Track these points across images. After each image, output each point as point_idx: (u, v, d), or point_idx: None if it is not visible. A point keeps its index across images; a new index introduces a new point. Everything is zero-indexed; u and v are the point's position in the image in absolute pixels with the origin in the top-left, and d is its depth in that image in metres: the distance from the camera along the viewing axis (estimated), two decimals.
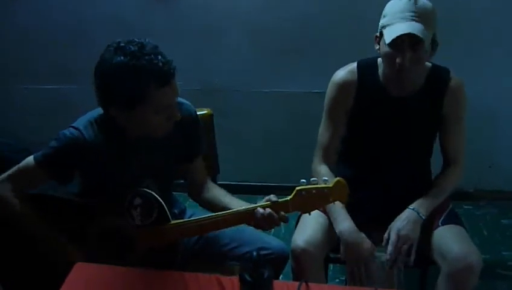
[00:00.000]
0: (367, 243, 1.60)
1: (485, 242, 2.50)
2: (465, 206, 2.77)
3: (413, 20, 1.52)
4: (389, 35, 1.53)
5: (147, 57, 1.35)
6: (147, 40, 1.41)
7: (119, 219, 1.47)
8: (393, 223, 1.61)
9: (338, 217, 1.63)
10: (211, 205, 1.63)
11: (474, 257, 1.57)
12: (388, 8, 1.59)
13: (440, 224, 1.69)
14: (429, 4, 1.57)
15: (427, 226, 1.67)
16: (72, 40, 2.73)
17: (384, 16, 1.59)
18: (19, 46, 2.81)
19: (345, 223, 1.62)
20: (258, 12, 2.58)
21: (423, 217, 1.62)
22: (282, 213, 1.41)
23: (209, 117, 1.88)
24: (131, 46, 1.36)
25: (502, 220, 2.71)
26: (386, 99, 1.67)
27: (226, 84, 2.74)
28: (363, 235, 1.61)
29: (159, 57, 1.37)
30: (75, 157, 1.48)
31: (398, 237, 1.57)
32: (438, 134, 1.76)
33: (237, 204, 1.54)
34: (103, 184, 1.52)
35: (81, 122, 1.50)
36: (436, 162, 1.81)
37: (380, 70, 1.68)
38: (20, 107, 2.94)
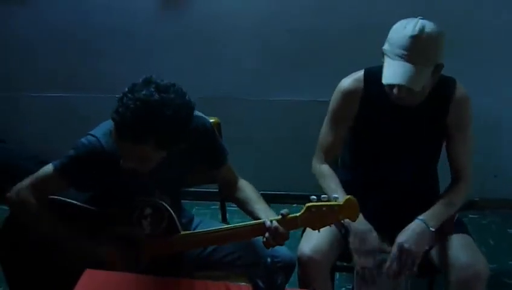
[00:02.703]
0: (375, 233, 1.60)
1: (491, 252, 2.48)
2: (471, 215, 2.76)
3: (409, 61, 1.51)
4: (384, 77, 1.55)
5: (133, 105, 1.31)
6: (170, 91, 1.35)
7: (129, 228, 1.48)
8: (399, 234, 1.59)
9: None
10: (242, 205, 1.64)
11: (482, 265, 1.57)
12: (392, 33, 1.57)
13: (452, 233, 1.67)
14: (434, 33, 1.53)
15: (437, 237, 1.65)
16: (79, 49, 2.74)
17: (387, 41, 1.58)
18: (26, 54, 2.82)
19: None
20: (265, 23, 2.59)
21: (432, 229, 1.60)
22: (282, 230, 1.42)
23: (216, 126, 1.89)
24: (144, 89, 1.33)
25: (508, 229, 2.70)
26: (391, 108, 1.67)
27: (232, 93, 2.74)
28: (371, 226, 1.61)
29: (138, 112, 1.30)
30: (92, 165, 1.48)
31: (401, 251, 1.55)
32: (444, 144, 1.75)
33: (264, 210, 1.54)
34: (115, 193, 1.53)
35: (99, 130, 1.50)
36: (442, 168, 1.81)
37: None
38: (26, 115, 2.94)
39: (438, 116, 1.69)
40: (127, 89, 1.35)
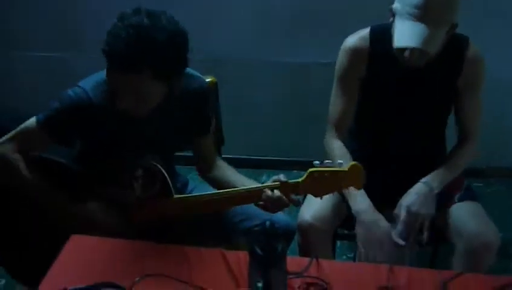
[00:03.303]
0: (384, 223, 1.52)
1: (496, 221, 2.38)
2: (476, 184, 2.68)
3: (424, 21, 1.40)
4: (396, 39, 1.44)
5: (124, 32, 1.24)
6: (162, 18, 1.29)
7: (119, 190, 1.41)
8: (402, 198, 1.53)
9: (354, 196, 1.54)
10: (219, 184, 1.57)
11: (492, 234, 1.51)
12: None
13: (456, 200, 1.62)
14: None
15: (443, 203, 1.59)
16: (79, 8, 2.63)
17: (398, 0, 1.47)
18: (21, 12, 2.70)
19: (362, 202, 1.53)
20: None
21: (436, 191, 1.54)
22: (293, 196, 1.34)
23: (213, 86, 1.80)
24: (134, 17, 1.27)
25: None
26: (399, 69, 1.58)
27: (231, 54, 2.64)
28: (380, 215, 1.53)
29: (129, 39, 1.23)
30: (78, 119, 1.40)
31: (409, 213, 1.49)
32: (453, 106, 1.67)
33: (245, 183, 1.47)
34: (104, 151, 1.45)
35: (88, 81, 1.41)
36: (451, 138, 1.73)
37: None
38: (21, 75, 2.84)
39: (449, 77, 1.61)
40: (116, 20, 1.27)
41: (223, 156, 1.78)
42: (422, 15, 1.41)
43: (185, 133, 1.54)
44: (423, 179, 1.56)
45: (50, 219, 1.48)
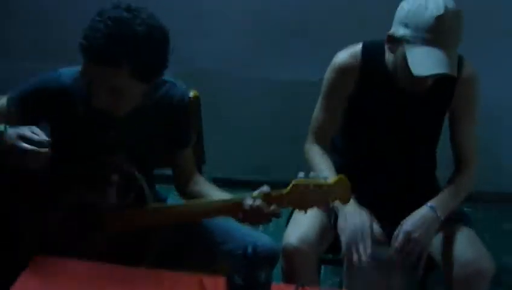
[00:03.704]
0: (367, 215, 1.46)
1: (487, 247, 2.36)
2: (465, 209, 2.63)
3: (440, 45, 1.36)
4: (417, 67, 1.37)
5: (103, 25, 1.21)
6: (142, 12, 1.26)
7: (89, 195, 1.32)
8: (406, 219, 1.46)
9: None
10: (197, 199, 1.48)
11: (487, 261, 1.46)
12: (411, 17, 1.39)
13: (449, 226, 1.54)
14: (455, 8, 1.38)
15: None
16: (54, 17, 2.57)
17: (406, 25, 1.40)
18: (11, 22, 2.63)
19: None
20: None
21: (441, 219, 1.48)
22: (274, 206, 1.27)
23: (195, 100, 1.70)
24: (117, 11, 1.23)
25: (504, 224, 2.60)
26: (391, 89, 1.53)
27: (215, 68, 2.58)
28: (364, 209, 1.47)
29: (108, 31, 1.20)
30: (48, 101, 1.34)
31: (409, 239, 1.43)
32: (449, 128, 1.62)
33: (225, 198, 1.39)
34: (76, 147, 1.36)
35: (67, 69, 1.38)
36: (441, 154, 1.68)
37: (387, 56, 1.53)
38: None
39: (442, 97, 1.55)
40: (95, 15, 1.23)
41: (203, 175, 1.68)
42: (437, 39, 1.36)
43: (163, 143, 1.46)
44: (430, 203, 1.49)
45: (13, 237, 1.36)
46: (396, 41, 1.43)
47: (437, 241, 1.52)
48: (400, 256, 1.42)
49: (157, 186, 1.65)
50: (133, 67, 1.23)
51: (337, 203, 1.40)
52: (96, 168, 1.31)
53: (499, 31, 2.38)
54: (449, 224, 1.54)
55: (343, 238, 1.44)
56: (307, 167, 1.62)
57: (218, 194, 1.44)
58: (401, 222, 1.46)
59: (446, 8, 1.36)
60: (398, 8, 1.45)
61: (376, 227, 1.46)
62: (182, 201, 1.56)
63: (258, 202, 1.27)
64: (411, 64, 1.38)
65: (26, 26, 2.62)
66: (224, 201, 1.32)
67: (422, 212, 1.47)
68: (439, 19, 1.35)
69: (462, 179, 1.59)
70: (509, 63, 2.44)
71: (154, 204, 1.34)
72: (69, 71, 1.36)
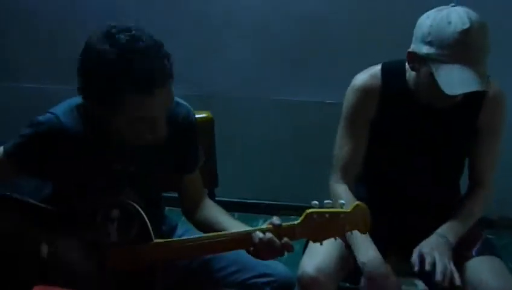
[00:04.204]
0: (393, 278, 1.37)
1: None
2: (487, 235, 2.52)
3: (471, 60, 1.29)
4: (446, 87, 1.31)
5: (133, 55, 1.13)
6: (146, 31, 1.18)
7: (90, 233, 1.26)
8: (419, 246, 1.39)
9: (361, 244, 1.41)
10: (206, 226, 1.42)
11: None
12: (434, 34, 1.32)
13: (474, 254, 1.47)
14: (482, 24, 1.31)
15: (458, 257, 1.44)
16: (60, 38, 2.55)
17: (429, 42, 1.33)
18: (13, 43, 2.63)
19: (369, 253, 1.39)
20: (267, 12, 2.42)
21: (452, 243, 1.41)
22: (286, 239, 1.19)
23: (209, 122, 1.67)
24: (121, 37, 1.14)
25: None
26: (414, 108, 1.47)
27: (229, 90, 2.55)
28: (389, 268, 1.39)
29: (150, 58, 1.14)
30: (48, 147, 1.27)
31: (433, 255, 1.34)
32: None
33: (235, 226, 1.33)
34: (77, 186, 1.31)
35: (60, 107, 1.30)
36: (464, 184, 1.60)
37: (408, 75, 1.47)
38: (12, 107, 2.71)
39: (467, 117, 1.49)
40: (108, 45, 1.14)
41: (216, 199, 1.64)
42: (467, 54, 1.30)
43: (170, 167, 1.40)
44: (437, 231, 1.43)
45: (11, 268, 1.31)
46: (419, 59, 1.37)
47: (465, 271, 1.44)
48: (443, 272, 1.32)
49: (168, 209, 1.60)
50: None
51: (355, 237, 1.32)
52: (98, 204, 1.26)
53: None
54: (474, 253, 1.47)
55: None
56: (322, 191, 1.55)
57: (227, 221, 1.38)
58: (415, 249, 1.38)
59: (471, 20, 1.29)
60: (418, 24, 1.38)
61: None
62: (192, 229, 1.50)
63: (268, 236, 1.19)
64: (442, 84, 1.31)
65: (34, 46, 2.62)
66: (232, 235, 1.24)
67: (432, 240, 1.40)
68: (464, 33, 1.28)
69: (475, 200, 1.53)
70: None
71: (158, 240, 1.27)
72: (61, 108, 1.29)
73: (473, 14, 1.32)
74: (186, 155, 1.42)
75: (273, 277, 1.40)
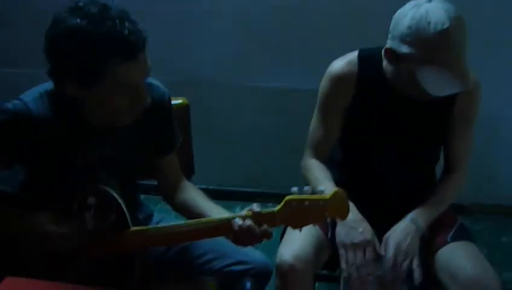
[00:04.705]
0: (367, 225, 1.41)
1: None
2: (462, 221, 2.57)
3: (452, 62, 1.30)
4: (430, 89, 1.31)
5: (109, 22, 1.10)
6: (114, 1, 1.15)
7: (66, 221, 1.22)
8: (388, 234, 1.42)
9: None
10: (185, 209, 1.40)
11: (491, 279, 1.38)
12: (414, 34, 1.31)
13: (449, 240, 1.48)
14: (459, 19, 1.31)
15: (431, 243, 1.47)
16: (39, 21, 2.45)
17: (409, 43, 1.31)
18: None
19: None
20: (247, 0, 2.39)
21: (422, 229, 1.43)
22: (265, 227, 1.19)
23: (184, 108, 1.64)
24: (91, 8, 1.11)
25: (502, 238, 2.53)
26: (390, 97, 1.47)
27: (208, 77, 2.52)
28: (362, 216, 1.42)
29: (126, 24, 1.11)
30: (17, 135, 1.23)
31: (397, 251, 1.38)
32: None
33: (216, 211, 1.32)
34: (50, 174, 1.27)
35: (29, 94, 1.25)
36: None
37: (385, 64, 1.47)
38: None
39: (443, 106, 1.49)
40: (78, 20, 1.10)
41: None
42: (447, 56, 1.30)
43: (146, 150, 1.37)
44: (409, 216, 1.45)
45: None
46: (397, 56, 1.36)
47: (441, 257, 1.46)
48: (394, 270, 1.37)
49: (143, 197, 1.58)
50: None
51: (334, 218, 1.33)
52: (72, 192, 1.22)
53: (497, 40, 2.32)
54: (449, 239, 1.48)
55: (343, 253, 1.38)
56: (302, 180, 1.55)
57: (206, 205, 1.36)
58: (384, 237, 1.41)
59: (450, 18, 1.28)
60: (395, 22, 1.36)
61: (376, 240, 1.40)
62: (168, 217, 1.48)
63: (248, 223, 1.18)
64: (427, 87, 1.31)
65: (26, 33, 2.53)
66: (211, 222, 1.23)
67: (402, 225, 1.43)
68: (445, 33, 1.27)
69: (448, 186, 1.54)
70: (505, 72, 2.39)
71: (136, 227, 1.25)
72: (31, 95, 1.25)
73: (451, 10, 1.31)
74: (163, 136, 1.39)
75: (250, 264, 1.40)
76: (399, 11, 1.37)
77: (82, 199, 1.22)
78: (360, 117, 1.51)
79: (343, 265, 1.37)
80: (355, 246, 1.37)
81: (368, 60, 1.49)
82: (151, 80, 1.30)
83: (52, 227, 1.21)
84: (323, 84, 1.53)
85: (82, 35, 1.09)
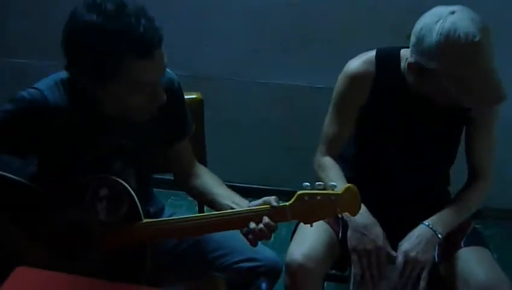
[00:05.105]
0: (379, 229, 1.39)
1: None
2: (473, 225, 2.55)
3: (488, 71, 1.27)
4: (468, 100, 1.31)
5: (125, 19, 1.09)
6: None
7: (78, 212, 1.22)
8: (403, 241, 1.40)
9: None
10: (199, 194, 1.40)
11: (504, 285, 1.37)
12: (446, 49, 1.25)
13: (463, 245, 1.46)
14: (487, 28, 1.26)
15: (447, 246, 1.45)
16: (47, 11, 2.45)
17: (440, 58, 1.27)
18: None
19: None
20: None
21: (440, 237, 1.40)
22: (268, 220, 1.17)
23: (198, 103, 1.64)
24: (108, 4, 1.10)
25: None
26: (406, 98, 1.45)
27: (220, 73, 2.50)
28: (375, 220, 1.40)
29: (142, 21, 1.10)
30: (33, 124, 1.22)
31: (407, 260, 1.36)
32: (464, 139, 1.53)
33: (229, 197, 1.30)
34: (64, 164, 1.27)
35: (44, 83, 1.24)
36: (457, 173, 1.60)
37: (403, 65, 1.44)
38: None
39: (460, 109, 1.44)
40: (98, 17, 1.09)
41: None
42: (482, 66, 1.26)
43: (161, 139, 1.36)
44: (427, 221, 1.42)
45: None
46: (424, 70, 1.32)
47: (453, 262, 1.44)
48: (402, 279, 1.36)
49: (155, 191, 1.57)
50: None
51: (345, 215, 1.32)
52: (85, 184, 1.22)
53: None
54: (462, 244, 1.46)
55: (355, 258, 1.37)
56: (315, 177, 1.54)
57: (220, 191, 1.35)
58: (399, 244, 1.40)
59: (479, 29, 1.24)
60: (418, 36, 1.30)
61: (388, 245, 1.39)
62: (179, 211, 1.48)
63: (266, 220, 1.17)
64: (463, 100, 1.31)
65: (23, 23, 2.54)
66: (226, 217, 1.21)
67: (418, 232, 1.40)
68: (476, 45, 1.23)
69: (472, 192, 1.51)
70: None
71: (148, 219, 1.25)
72: (46, 84, 1.24)
73: (477, 20, 1.27)
74: (174, 122, 1.38)
75: (261, 261, 1.40)
76: (421, 25, 1.31)
77: (95, 190, 1.21)
78: (374, 116, 1.50)
79: (355, 270, 1.36)
80: (367, 252, 1.36)
81: (386, 60, 1.47)
82: None
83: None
84: (340, 82, 1.52)
85: (97, 32, 1.09)
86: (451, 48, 1.25)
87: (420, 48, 1.30)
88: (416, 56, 1.32)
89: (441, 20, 1.27)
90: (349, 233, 1.40)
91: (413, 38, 1.33)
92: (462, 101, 1.32)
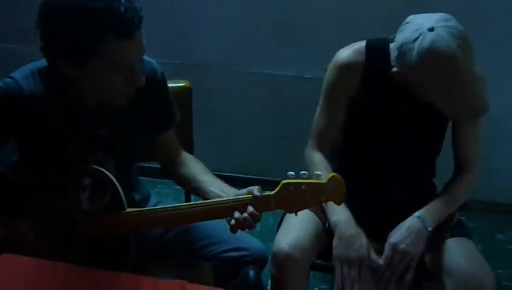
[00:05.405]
0: (364, 240, 1.39)
1: None
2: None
3: (467, 83, 1.30)
4: (454, 114, 1.40)
5: None
6: None
7: (61, 202, 1.21)
8: (392, 232, 1.41)
9: (335, 206, 1.36)
10: (186, 182, 1.39)
11: (486, 275, 1.38)
12: (426, 63, 1.29)
13: (448, 236, 1.47)
14: (466, 38, 1.29)
15: (433, 238, 1.45)
16: None
17: (421, 72, 1.30)
18: None
19: (341, 213, 1.41)
20: None
21: (429, 229, 1.41)
22: (252, 210, 1.17)
23: (186, 91, 1.63)
24: None
25: (497, 234, 2.53)
26: (394, 88, 1.44)
27: (209, 61, 2.49)
28: (361, 230, 1.40)
29: (122, 1, 1.09)
30: (8, 114, 1.21)
31: (394, 251, 1.37)
32: (451, 132, 1.54)
33: (215, 184, 1.30)
34: (44, 154, 1.25)
35: (20, 72, 1.23)
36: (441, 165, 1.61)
37: (393, 58, 1.44)
38: None
39: None
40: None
41: None
42: (460, 78, 1.29)
43: (143, 128, 1.35)
44: (417, 213, 1.43)
45: None
46: (410, 79, 1.36)
47: (437, 253, 1.45)
48: (388, 269, 1.36)
49: (142, 179, 1.56)
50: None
51: (330, 203, 1.31)
52: (67, 172, 1.21)
53: (500, 34, 2.31)
54: (443, 235, 1.47)
55: (338, 267, 1.37)
56: (302, 168, 1.54)
57: (206, 178, 1.35)
58: (389, 235, 1.40)
59: (457, 44, 1.26)
60: (401, 51, 1.31)
61: (373, 253, 1.40)
62: (165, 200, 1.47)
63: (250, 210, 1.16)
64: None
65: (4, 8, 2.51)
66: (210, 207, 1.21)
67: (407, 224, 1.40)
68: (455, 63, 1.26)
69: (457, 186, 1.52)
70: (505, 68, 2.37)
71: (132, 209, 1.23)
72: (22, 73, 1.22)
73: (455, 33, 1.28)
74: (158, 112, 1.37)
75: (247, 251, 1.39)
76: (402, 39, 1.32)
77: (77, 179, 1.20)
78: (363, 107, 1.50)
79: (337, 278, 1.37)
80: (350, 262, 1.36)
81: (375, 50, 1.47)
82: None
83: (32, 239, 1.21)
84: (329, 72, 1.52)
85: (76, 11, 1.07)
86: (430, 66, 1.28)
87: (402, 63, 1.33)
88: (399, 68, 1.35)
89: (420, 38, 1.28)
90: (334, 241, 1.40)
91: (395, 51, 1.36)
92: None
